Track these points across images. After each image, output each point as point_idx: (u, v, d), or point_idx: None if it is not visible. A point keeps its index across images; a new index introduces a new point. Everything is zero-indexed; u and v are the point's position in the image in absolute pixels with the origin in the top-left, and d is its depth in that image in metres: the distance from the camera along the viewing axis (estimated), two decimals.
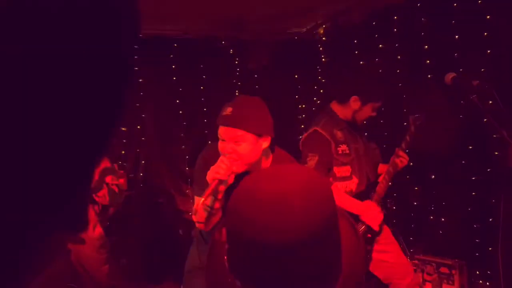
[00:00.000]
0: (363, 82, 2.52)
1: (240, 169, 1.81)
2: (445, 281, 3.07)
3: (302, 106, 5.45)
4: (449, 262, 3.08)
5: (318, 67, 5.27)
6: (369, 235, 2.34)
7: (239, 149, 1.78)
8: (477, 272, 3.27)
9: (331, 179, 2.37)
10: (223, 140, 1.86)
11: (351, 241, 0.78)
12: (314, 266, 0.69)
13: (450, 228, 3.61)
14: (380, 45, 4.30)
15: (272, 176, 0.74)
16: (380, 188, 2.47)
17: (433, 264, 3.16)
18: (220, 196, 1.76)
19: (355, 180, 2.41)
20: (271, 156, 1.98)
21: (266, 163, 1.92)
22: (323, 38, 5.12)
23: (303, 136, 2.49)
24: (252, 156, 1.82)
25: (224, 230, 0.77)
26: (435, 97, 3.07)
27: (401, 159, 2.45)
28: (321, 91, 5.27)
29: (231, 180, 1.74)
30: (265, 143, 1.86)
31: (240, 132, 1.80)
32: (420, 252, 3.59)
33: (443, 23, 3.55)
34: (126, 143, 4.54)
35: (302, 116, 5.43)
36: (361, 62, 4.56)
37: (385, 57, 4.25)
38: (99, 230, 3.13)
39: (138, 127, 4.59)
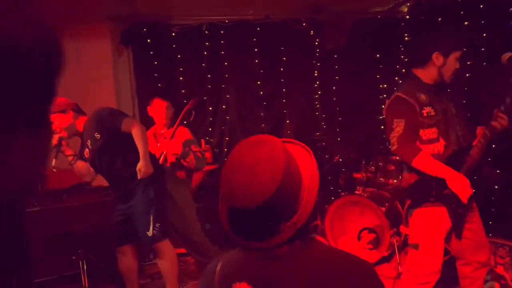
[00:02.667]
0: (441, 37, 2.42)
1: (63, 133, 2.86)
2: None
3: (383, 86, 5.41)
4: None
5: (401, 46, 5.18)
6: (460, 210, 2.25)
7: (54, 125, 2.83)
8: None
9: (418, 142, 2.30)
10: None
11: (307, 163, 1.10)
12: (270, 219, 1.02)
13: None
14: (466, 23, 4.13)
15: (249, 145, 1.06)
16: (475, 152, 2.29)
17: (506, 247, 3.09)
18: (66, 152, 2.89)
19: (442, 142, 2.32)
20: (84, 118, 2.93)
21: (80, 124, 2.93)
22: (406, 17, 5.01)
23: (386, 103, 2.43)
24: (64, 126, 2.86)
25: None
26: None
27: (500, 120, 2.24)
28: (403, 70, 5.18)
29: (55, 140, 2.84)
30: (69, 116, 2.88)
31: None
32: (499, 236, 3.50)
33: None
34: (212, 121, 4.97)
35: (383, 96, 5.39)
36: None
37: (470, 35, 4.09)
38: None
39: (223, 106, 4.98)
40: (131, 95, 4.79)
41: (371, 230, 3.74)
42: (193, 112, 3.75)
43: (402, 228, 2.35)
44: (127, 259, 3.07)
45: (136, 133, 2.82)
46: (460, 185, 2.19)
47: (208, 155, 4.59)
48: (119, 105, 4.69)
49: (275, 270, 1.04)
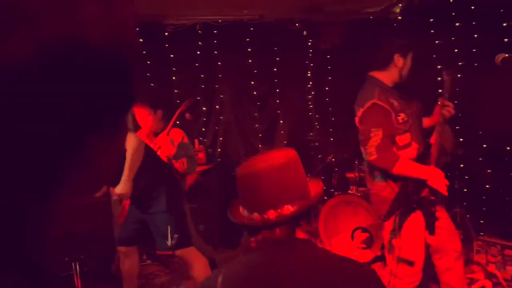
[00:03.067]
0: (399, 38, 2.56)
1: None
2: (509, 263, 3.04)
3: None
4: None
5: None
6: (432, 197, 2.34)
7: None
8: None
9: (394, 148, 2.34)
10: None
11: (318, 189, 1.25)
12: (280, 185, 1.14)
13: None
14: (457, 24, 4.18)
15: (263, 158, 1.22)
16: (434, 150, 2.39)
17: (498, 246, 3.13)
18: None
19: (414, 146, 2.38)
20: None
21: None
22: (399, 17, 5.05)
23: (360, 111, 2.36)
24: None
25: None
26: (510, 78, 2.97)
27: (447, 108, 2.38)
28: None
29: None
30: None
31: None
32: (491, 235, 3.55)
33: None
34: (206, 121, 4.97)
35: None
36: (436, 42, 4.47)
37: (461, 36, 4.13)
38: None
39: (217, 106, 4.97)
40: None
41: (364, 230, 3.77)
42: (188, 113, 3.76)
43: (395, 242, 2.37)
44: (130, 261, 3.01)
45: (127, 152, 2.65)
46: (439, 179, 2.27)
47: (201, 155, 4.59)
48: None
49: (277, 271, 1.07)
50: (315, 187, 1.24)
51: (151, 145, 3.59)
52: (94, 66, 0.37)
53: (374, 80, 2.43)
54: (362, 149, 2.42)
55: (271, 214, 1.12)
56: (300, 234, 1.15)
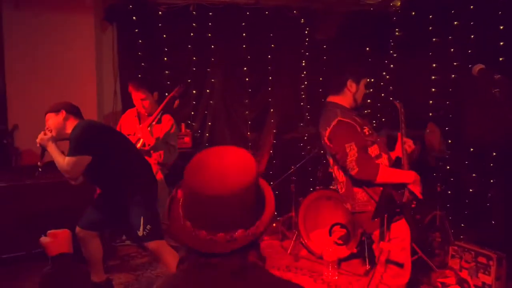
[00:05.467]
0: (352, 65, 2.61)
1: (54, 134, 2.72)
2: (481, 270, 3.03)
3: (370, 80, 5.34)
4: (487, 252, 3.01)
5: (391, 41, 5.12)
6: (413, 205, 2.34)
7: (47, 124, 2.75)
8: None
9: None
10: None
11: (270, 193, 1.11)
12: (238, 211, 1.01)
13: (501, 219, 3.50)
14: (455, 22, 4.09)
15: (219, 153, 1.06)
16: (405, 162, 2.40)
17: (472, 252, 3.11)
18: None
19: (384, 156, 2.41)
20: (76, 122, 2.72)
21: (70, 128, 2.70)
22: (399, 11, 4.94)
23: (327, 131, 2.40)
24: (54, 126, 2.72)
25: (179, 190, 1.10)
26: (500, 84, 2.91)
27: (407, 143, 2.46)
28: (391, 66, 5.14)
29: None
30: (60, 116, 2.72)
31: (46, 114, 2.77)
32: (471, 239, 3.54)
33: None
34: (196, 105, 4.90)
35: (369, 90, 5.34)
36: (433, 39, 4.39)
37: (458, 35, 4.05)
38: (160, 175, 3.55)
39: (208, 90, 4.90)
40: (113, 72, 4.70)
41: (342, 226, 3.75)
42: (177, 100, 3.70)
43: (383, 245, 2.31)
44: (90, 246, 2.97)
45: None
46: (417, 183, 2.30)
47: (187, 139, 4.54)
48: (100, 81, 4.60)
49: None
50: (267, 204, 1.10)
51: (137, 129, 3.55)
52: None
53: (332, 104, 2.50)
54: (338, 168, 2.48)
55: (222, 237, 1.01)
56: (251, 257, 1.04)
